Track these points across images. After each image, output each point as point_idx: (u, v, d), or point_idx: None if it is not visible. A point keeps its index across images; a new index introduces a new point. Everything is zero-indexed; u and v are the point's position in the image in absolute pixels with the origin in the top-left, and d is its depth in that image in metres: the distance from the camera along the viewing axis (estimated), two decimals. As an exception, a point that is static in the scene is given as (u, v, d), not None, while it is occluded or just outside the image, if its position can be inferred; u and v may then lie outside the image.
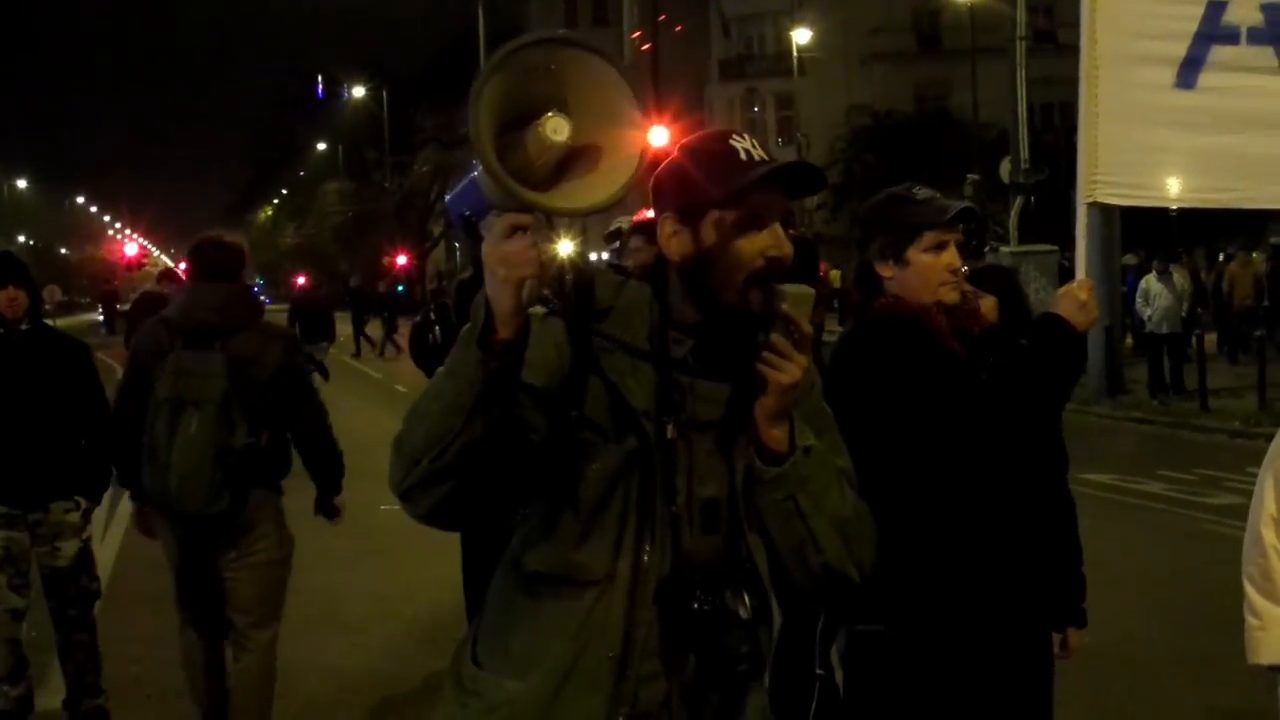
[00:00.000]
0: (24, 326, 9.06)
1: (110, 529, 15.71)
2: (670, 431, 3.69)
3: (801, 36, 71.43)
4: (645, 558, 3.68)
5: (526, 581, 3.78)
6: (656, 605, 3.68)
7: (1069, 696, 5.69)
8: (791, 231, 3.89)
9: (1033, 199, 32.70)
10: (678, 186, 3.78)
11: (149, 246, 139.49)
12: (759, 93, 79.29)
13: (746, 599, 3.69)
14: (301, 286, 53.48)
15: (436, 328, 10.22)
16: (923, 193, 5.46)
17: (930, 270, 5.33)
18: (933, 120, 63.26)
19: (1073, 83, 6.23)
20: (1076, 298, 5.47)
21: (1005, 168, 33.90)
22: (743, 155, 3.71)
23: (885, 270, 5.40)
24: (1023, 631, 5.42)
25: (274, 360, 8.45)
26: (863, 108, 66.51)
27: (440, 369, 3.58)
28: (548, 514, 3.75)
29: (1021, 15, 32.80)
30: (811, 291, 3.67)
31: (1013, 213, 32.91)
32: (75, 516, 9.19)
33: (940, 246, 5.32)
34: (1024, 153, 32.49)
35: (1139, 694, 9.78)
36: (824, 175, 3.87)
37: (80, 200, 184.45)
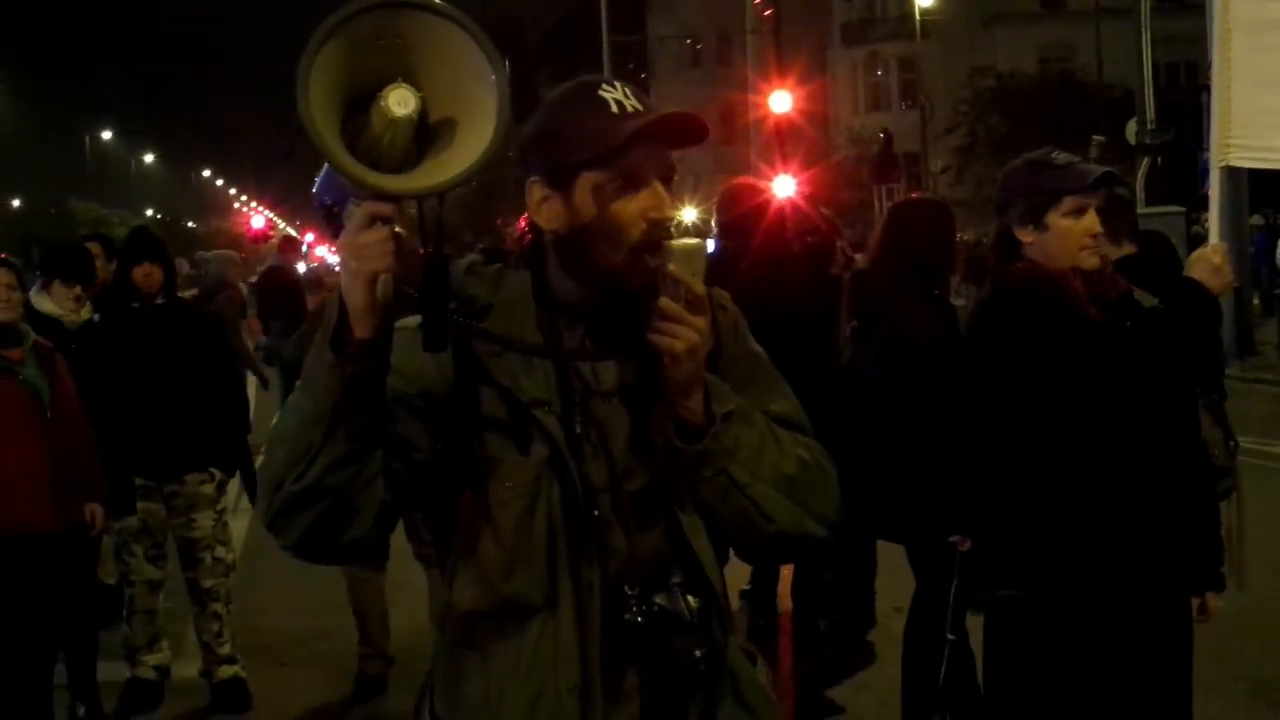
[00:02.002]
0: (159, 301, 9.17)
1: (243, 500, 15.87)
2: (579, 428, 3.33)
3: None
4: (584, 573, 3.32)
5: (464, 623, 3.42)
6: (602, 622, 3.33)
7: (1200, 660, 5.63)
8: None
9: (1159, 160, 32.31)
10: (544, 146, 3.36)
11: (274, 219, 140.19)
12: (881, 56, 78.84)
13: (689, 598, 3.34)
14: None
15: None
16: (1062, 157, 5.42)
17: (1070, 235, 5.29)
18: (1056, 82, 62.58)
19: (1198, 41, 6.21)
20: (1211, 262, 5.45)
21: (1131, 129, 33.49)
22: (614, 107, 3.30)
23: (1025, 235, 5.37)
24: (1161, 596, 5.39)
25: None
26: (986, 70, 65.89)
27: (297, 383, 3.24)
28: (469, 545, 3.38)
29: (1147, -26, 32.41)
30: (701, 244, 3.28)
31: (1139, 174, 32.50)
32: (210, 488, 9.30)
33: (1080, 211, 5.28)
34: (1150, 113, 32.07)
35: (1272, 656, 9.73)
36: (705, 124, 3.39)
37: (206, 174, 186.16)
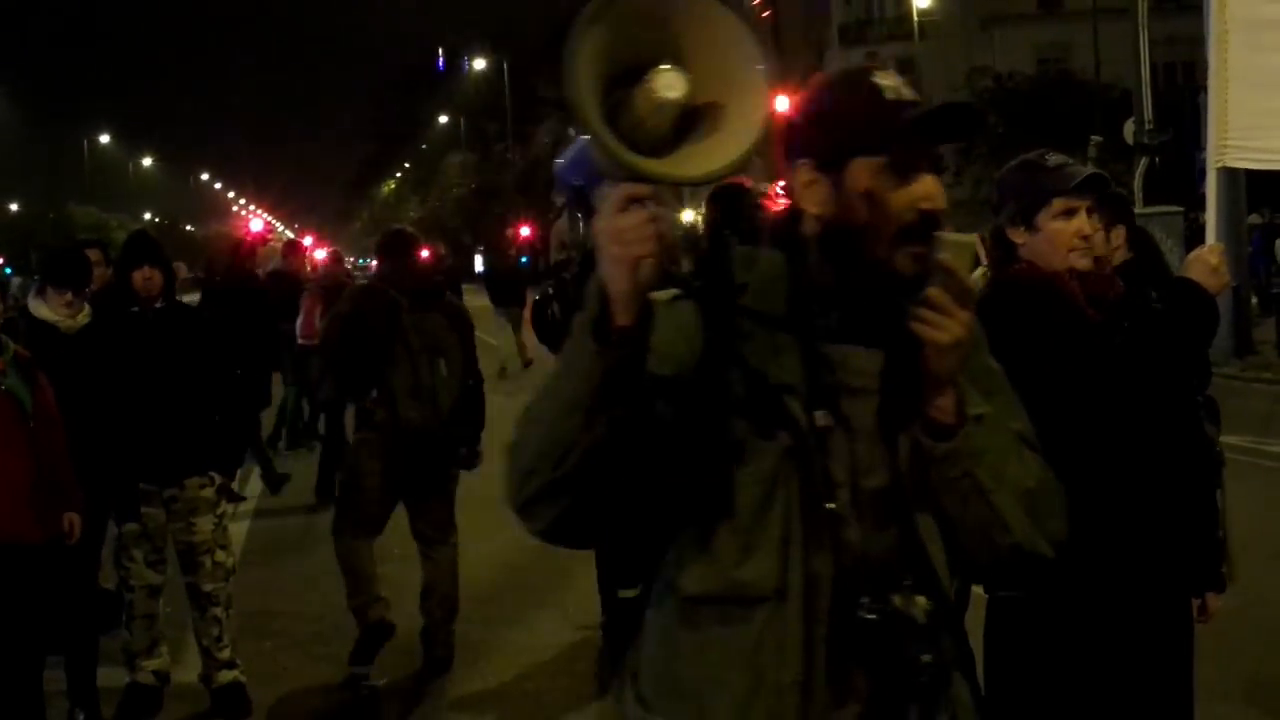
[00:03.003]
0: (159, 304, 9.17)
1: (242, 506, 15.87)
2: (824, 419, 3.22)
3: (921, 0, 71.00)
4: (816, 566, 3.21)
5: (686, 607, 3.31)
6: (831, 619, 3.22)
7: (1200, 660, 5.64)
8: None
9: (1157, 160, 32.30)
10: (815, 130, 3.30)
11: (273, 222, 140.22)
12: (879, 57, 78.82)
13: (921, 600, 3.23)
14: (426, 260, 53.55)
15: (555, 304, 10.36)
16: (1054, 159, 5.43)
17: (1059, 236, 5.30)
18: (1054, 82, 62.60)
19: (1195, 41, 6.21)
20: (1208, 262, 5.44)
21: (1129, 128, 33.49)
22: (889, 95, 3.23)
23: (1017, 236, 5.38)
24: (1162, 596, 5.40)
25: None
26: (983, 70, 65.85)
27: (554, 361, 3.20)
28: (701, 528, 3.27)
29: (1144, -26, 32.43)
30: (973, 240, 3.22)
31: (1137, 174, 32.48)
32: (210, 492, 9.29)
33: (1070, 213, 5.29)
34: (1147, 113, 32.07)
35: (1272, 656, 9.70)
36: (982, 116, 3.35)
37: (205, 177, 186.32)
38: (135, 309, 9.10)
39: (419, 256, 11.01)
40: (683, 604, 3.33)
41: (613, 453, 3.05)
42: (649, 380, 3.09)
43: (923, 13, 71.44)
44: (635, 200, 2.98)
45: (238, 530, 12.78)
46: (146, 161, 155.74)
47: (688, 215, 42.50)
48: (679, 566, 3.34)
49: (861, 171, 3.22)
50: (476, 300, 42.05)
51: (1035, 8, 75.02)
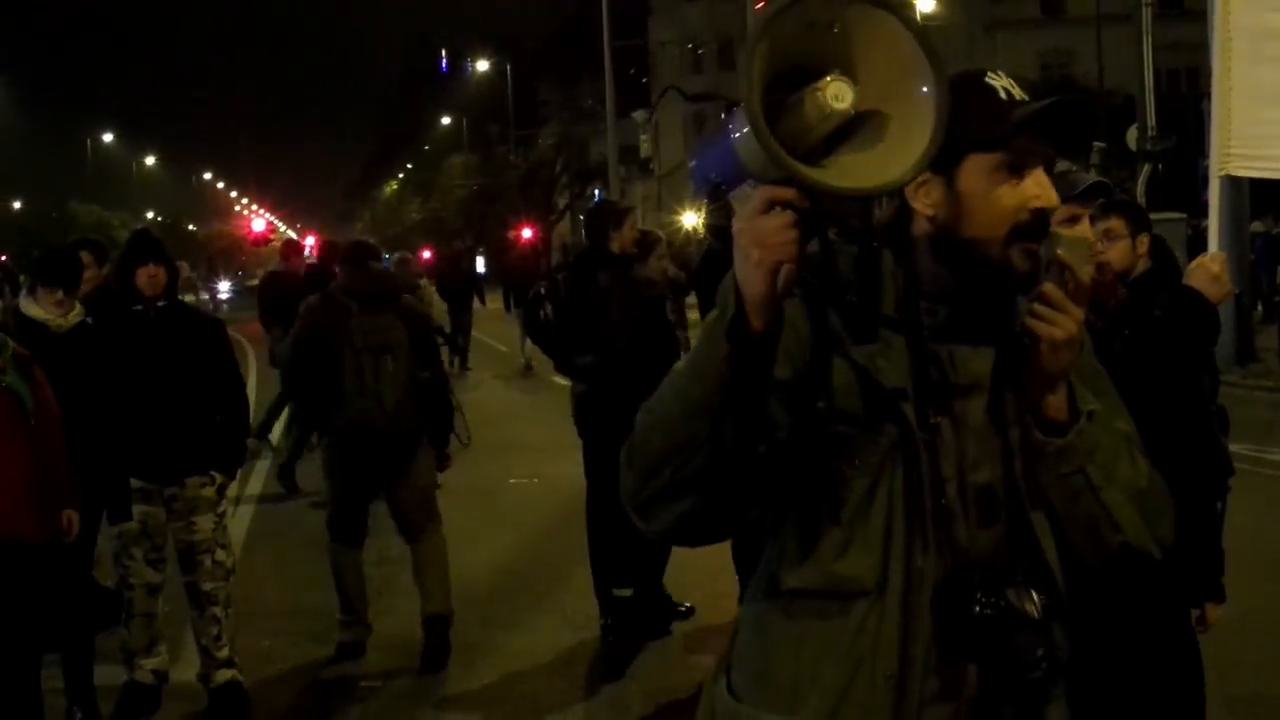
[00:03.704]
0: (161, 303, 9.17)
1: (242, 504, 15.88)
2: (932, 415, 3.24)
3: (925, 5, 70.94)
4: (918, 561, 3.23)
5: (785, 600, 3.32)
6: (933, 614, 3.22)
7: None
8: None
9: (1160, 166, 32.31)
10: None
11: (275, 222, 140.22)
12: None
13: (1035, 595, 3.24)
14: (428, 260, 53.61)
15: (548, 304, 10.49)
16: (1059, 167, 5.43)
17: None
18: (1057, 88, 62.58)
19: (1199, 48, 6.20)
20: (1209, 270, 5.44)
21: (1132, 135, 33.53)
22: (1002, 94, 3.27)
23: None
24: (1161, 606, 5.38)
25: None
26: (986, 76, 65.92)
27: (678, 365, 3.15)
28: (803, 522, 3.30)
29: (1148, -19, 32.44)
30: (1089, 237, 3.21)
31: (1140, 180, 32.50)
32: (210, 491, 9.28)
33: (1073, 220, 5.28)
34: (1151, 120, 32.10)
35: (1273, 664, 9.69)
36: (1096, 115, 3.33)
37: (207, 176, 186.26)
38: (138, 307, 9.09)
39: (374, 264, 11.52)
40: (782, 597, 3.34)
41: (737, 455, 3.04)
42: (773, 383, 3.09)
43: (926, 17, 70.98)
44: (780, 203, 2.94)
45: (238, 528, 12.77)
46: (149, 160, 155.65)
47: (690, 219, 42.45)
48: (780, 560, 3.35)
49: (974, 170, 3.25)
50: (493, 304, 42.13)
51: (1039, 13, 75.00)
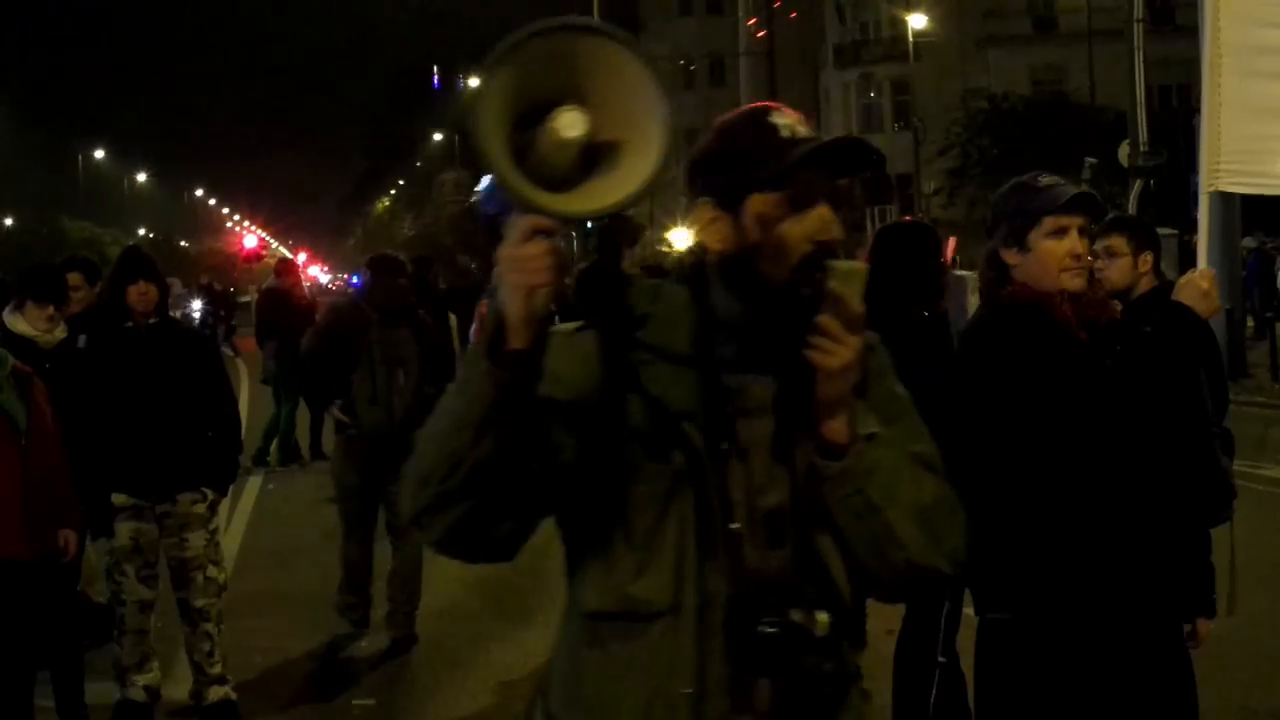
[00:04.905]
0: (152, 320, 9.16)
1: (234, 520, 15.87)
2: (721, 441, 3.39)
3: (917, 21, 71.09)
4: (710, 583, 3.36)
5: (589, 624, 3.47)
6: (725, 633, 3.36)
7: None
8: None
9: (1152, 182, 32.38)
10: (715, 169, 3.48)
11: (268, 239, 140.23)
12: (874, 78, 78.93)
13: (822, 614, 3.35)
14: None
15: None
16: (1046, 180, 5.44)
17: (1050, 256, 5.30)
18: (1049, 104, 62.67)
19: (1190, 64, 6.22)
20: (1198, 286, 5.44)
21: (1124, 151, 33.61)
22: (784, 133, 3.42)
23: (1010, 257, 5.38)
24: (1152, 621, 5.39)
25: None
26: (979, 92, 65.94)
27: (451, 385, 3.33)
28: (600, 546, 3.44)
29: (1139, -4, 32.48)
30: (863, 267, 3.38)
31: (1132, 196, 32.57)
32: (202, 508, 9.27)
33: (1061, 232, 5.29)
34: (1143, 135, 32.18)
35: (1263, 679, 9.72)
36: (876, 150, 3.50)
37: (199, 193, 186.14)
38: (129, 324, 9.09)
39: (399, 279, 11.79)
40: (584, 620, 3.48)
41: (500, 468, 3.19)
42: (549, 404, 3.26)
43: (918, 34, 71.51)
44: (539, 231, 3.12)
45: (230, 545, 12.75)
46: (141, 177, 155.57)
47: (685, 235, 42.70)
48: (580, 584, 3.50)
49: (758, 207, 3.40)
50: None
51: (1030, 29, 74.98)
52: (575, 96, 3.21)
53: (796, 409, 3.41)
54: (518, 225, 3.14)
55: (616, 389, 3.39)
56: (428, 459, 3.26)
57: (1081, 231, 5.32)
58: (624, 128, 3.26)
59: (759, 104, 3.59)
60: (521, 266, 3.12)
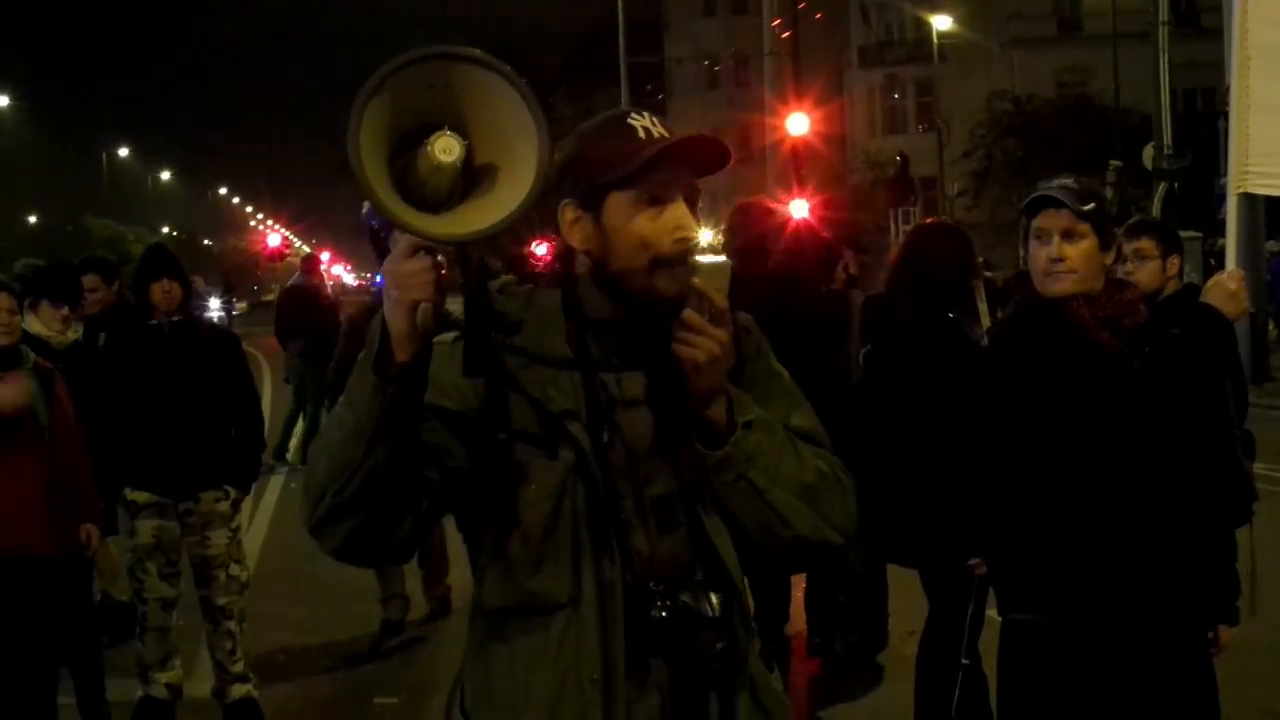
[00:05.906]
0: (176, 318, 9.18)
1: (256, 518, 15.89)
2: (604, 435, 3.52)
3: (941, 23, 70.95)
4: (607, 572, 3.49)
5: (493, 620, 3.59)
6: (625, 620, 3.50)
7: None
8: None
9: (1176, 185, 32.28)
10: (576, 170, 3.59)
11: (291, 237, 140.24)
12: (898, 79, 78.89)
13: (712, 595, 3.52)
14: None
15: None
16: (1043, 183, 5.44)
17: (1034, 262, 5.33)
18: (1073, 106, 62.60)
19: (1215, 66, 6.20)
20: (1226, 288, 5.43)
21: (1148, 153, 33.50)
22: (641, 133, 3.53)
23: (1025, 262, 5.40)
24: (1174, 625, 5.37)
25: None
26: (1003, 94, 65.88)
27: (341, 398, 3.43)
28: (498, 545, 3.56)
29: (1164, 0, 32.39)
30: (725, 263, 3.43)
31: (1156, 199, 32.49)
32: (225, 506, 9.27)
33: (1042, 236, 5.29)
34: (1167, 139, 32.07)
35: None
36: (727, 148, 3.59)
37: (222, 191, 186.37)
38: (153, 322, 9.11)
39: None
40: (489, 617, 3.61)
41: (392, 477, 3.32)
42: (438, 413, 3.43)
43: (943, 35, 71.35)
44: (421, 248, 3.25)
45: (252, 543, 12.77)
46: (165, 175, 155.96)
47: (707, 234, 42.52)
48: (483, 583, 3.62)
49: (617, 206, 3.52)
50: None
51: (1055, 31, 74.90)
52: (454, 122, 3.31)
53: (673, 402, 3.51)
54: (402, 241, 3.26)
55: (499, 394, 3.50)
56: (322, 471, 3.37)
57: (1069, 234, 5.27)
58: (499, 153, 3.36)
59: (618, 108, 3.70)
60: (403, 282, 3.23)
